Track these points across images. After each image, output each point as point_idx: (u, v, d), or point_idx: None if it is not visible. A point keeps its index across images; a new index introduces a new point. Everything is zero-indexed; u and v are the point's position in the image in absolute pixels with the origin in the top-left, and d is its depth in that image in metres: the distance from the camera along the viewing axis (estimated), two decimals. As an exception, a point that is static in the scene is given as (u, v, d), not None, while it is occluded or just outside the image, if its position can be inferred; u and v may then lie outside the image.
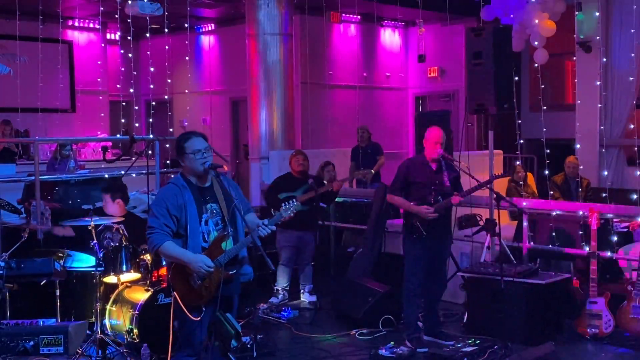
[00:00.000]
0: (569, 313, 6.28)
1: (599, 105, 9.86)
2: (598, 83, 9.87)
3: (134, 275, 6.03)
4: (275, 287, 7.53)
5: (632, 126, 9.01)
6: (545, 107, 8.79)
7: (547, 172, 8.05)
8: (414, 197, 5.94)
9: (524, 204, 7.26)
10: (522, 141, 8.38)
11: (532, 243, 7.05)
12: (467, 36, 6.94)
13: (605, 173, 9.20)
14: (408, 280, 6.06)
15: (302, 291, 7.58)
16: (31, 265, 5.04)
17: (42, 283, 5.67)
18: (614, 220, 7.37)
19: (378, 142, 11.07)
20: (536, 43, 9.94)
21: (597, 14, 9.77)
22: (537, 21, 8.99)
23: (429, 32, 13.82)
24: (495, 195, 6.09)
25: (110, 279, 5.92)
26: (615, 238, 7.04)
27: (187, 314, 4.15)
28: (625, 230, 7.65)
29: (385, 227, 7.73)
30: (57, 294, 5.67)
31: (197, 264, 4.09)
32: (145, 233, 4.25)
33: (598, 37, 9.86)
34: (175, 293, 4.21)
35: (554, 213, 7.08)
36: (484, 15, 9.98)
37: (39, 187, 7.27)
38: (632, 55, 9.24)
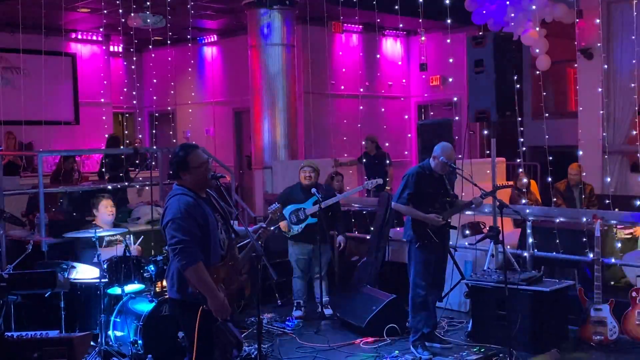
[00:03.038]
0: (573, 320, 6.27)
1: (601, 112, 9.87)
2: (600, 90, 9.88)
3: (138, 286, 6.04)
4: (295, 301, 7.43)
5: (634, 132, 9.00)
6: (547, 115, 8.80)
7: (549, 179, 8.04)
8: (423, 206, 6.02)
9: (528, 211, 7.25)
10: (524, 148, 8.39)
11: (535, 250, 7.04)
12: (468, 44, 6.95)
13: (609, 179, 9.19)
14: (417, 286, 6.08)
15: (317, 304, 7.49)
16: (35, 277, 5.05)
17: (46, 295, 5.67)
18: (618, 226, 7.37)
19: (384, 151, 11.13)
20: (537, 50, 9.99)
21: (598, 20, 9.80)
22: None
23: (430, 40, 13.87)
24: (498, 203, 6.10)
25: (115, 290, 5.94)
26: (619, 244, 7.03)
27: (223, 322, 4.02)
28: (629, 236, 7.65)
29: (389, 236, 7.73)
30: (62, 305, 5.69)
31: None
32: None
33: (599, 44, 9.88)
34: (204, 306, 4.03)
35: (558, 220, 7.07)
36: (475, 20, 10.04)
37: (43, 199, 7.31)
38: (634, 61, 9.24)
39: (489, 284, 6.26)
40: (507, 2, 9.56)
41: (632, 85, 9.56)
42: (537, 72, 9.94)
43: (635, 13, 8.70)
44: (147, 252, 7.02)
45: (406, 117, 14.62)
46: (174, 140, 14.21)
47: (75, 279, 6.09)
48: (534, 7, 9.54)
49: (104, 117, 13.93)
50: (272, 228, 4.43)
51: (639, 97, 9.96)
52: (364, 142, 11.27)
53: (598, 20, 9.79)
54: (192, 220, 3.97)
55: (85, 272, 6.21)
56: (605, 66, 9.93)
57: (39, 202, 7.37)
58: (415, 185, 6.04)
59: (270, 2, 10.55)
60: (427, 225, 6.00)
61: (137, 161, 11.34)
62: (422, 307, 6.09)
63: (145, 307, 5.71)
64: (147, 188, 8.98)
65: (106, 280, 5.82)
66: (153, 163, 10.15)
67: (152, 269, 6.02)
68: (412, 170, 6.20)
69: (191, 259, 3.91)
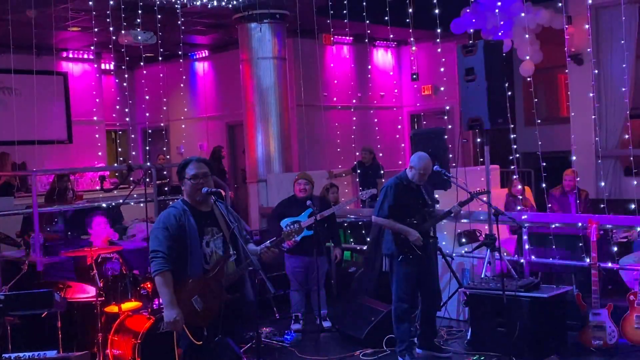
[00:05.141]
0: (572, 325, 6.26)
1: (593, 116, 9.91)
2: (591, 95, 9.93)
3: (135, 304, 6.02)
4: (293, 314, 7.39)
5: (626, 136, 9.04)
6: (539, 121, 8.83)
7: (544, 185, 8.06)
8: (402, 218, 6.00)
9: (524, 217, 7.26)
10: (517, 155, 8.41)
11: (532, 257, 7.04)
12: (458, 53, 6.98)
13: (603, 184, 9.21)
14: (399, 299, 6.07)
15: (316, 316, 7.45)
16: (32, 297, 5.02)
17: (43, 315, 5.65)
18: (614, 230, 7.38)
19: (379, 162, 11.15)
20: (527, 57, 10.05)
21: (587, 26, 9.86)
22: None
23: (421, 50, 13.93)
24: (493, 210, 6.11)
25: (112, 308, 5.91)
26: (615, 248, 7.04)
27: (190, 337, 4.12)
28: (625, 240, 7.66)
29: (385, 246, 7.71)
30: (59, 325, 5.66)
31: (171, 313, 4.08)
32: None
33: (589, 49, 9.94)
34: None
35: (553, 226, 7.08)
36: (454, 29, 10.13)
37: (37, 219, 7.28)
38: (624, 65, 9.30)
39: (487, 292, 6.26)
40: (496, 11, 9.63)
41: (623, 89, 9.62)
42: (528, 79, 9.99)
43: (623, 18, 8.76)
44: (143, 268, 6.99)
45: (399, 127, 14.66)
46: (167, 157, 14.19)
47: (71, 298, 6.06)
48: (522, 14, 9.61)
49: (97, 135, 13.92)
50: (276, 249, 4.37)
51: (630, 101, 10.03)
52: (360, 152, 11.27)
53: (587, 26, 9.86)
54: (166, 231, 4.14)
55: (81, 291, 6.18)
56: (596, 71, 10.00)
57: (33, 222, 7.34)
58: (395, 197, 6.02)
59: (260, 16, 10.58)
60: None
61: (130, 178, 11.31)
62: (404, 319, 6.08)
63: (142, 324, 5.68)
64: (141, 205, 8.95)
65: (103, 298, 5.79)
66: (147, 179, 10.12)
67: (149, 286, 6.00)
68: (390, 182, 6.16)
69: (158, 267, 4.08)
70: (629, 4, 9.41)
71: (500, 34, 9.70)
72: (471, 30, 9.34)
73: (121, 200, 9.06)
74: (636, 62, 10.14)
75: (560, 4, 8.94)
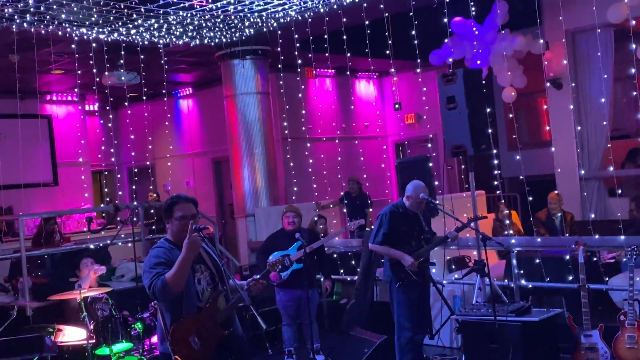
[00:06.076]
0: (565, 348, 6.27)
1: (575, 139, 10.03)
2: (572, 118, 10.07)
3: (126, 345, 5.97)
4: (286, 349, 7.31)
5: (609, 157, 9.15)
6: (522, 145, 8.92)
7: (529, 208, 8.13)
8: (400, 245, 6.04)
9: (512, 241, 7.31)
10: (502, 180, 8.48)
11: (522, 280, 7.07)
12: (439, 82, 7.08)
13: (588, 206, 9.29)
14: (402, 328, 6.07)
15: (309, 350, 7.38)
16: (22, 342, 4.98)
17: (34, 360, 5.59)
18: (601, 251, 7.43)
19: (365, 192, 11.22)
20: (509, 84, 10.19)
21: (565, 51, 10.03)
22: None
23: (402, 80, 14.09)
24: (481, 236, 6.15)
25: (103, 350, 5.86)
26: (603, 269, 7.08)
27: None
28: (613, 260, 7.71)
29: (375, 276, 7.72)
30: (50, 370, 5.60)
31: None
32: None
33: (567, 74, 10.09)
34: (176, 357, 4.11)
35: (541, 249, 7.12)
36: (432, 61, 10.30)
37: (25, 263, 7.24)
38: (602, 89, 9.44)
39: (478, 318, 6.26)
40: (474, 42, 9.80)
41: (603, 111, 9.76)
42: (509, 104, 10.11)
43: (599, 42, 8.93)
44: (133, 309, 6.95)
45: (384, 156, 14.76)
46: (154, 195, 14.17)
47: (62, 342, 6.01)
48: (499, 42, 9.77)
49: (82, 177, 13.91)
50: (264, 281, 4.37)
51: (610, 122, 10.16)
52: (346, 183, 11.33)
53: (564, 51, 10.02)
54: (158, 261, 4.07)
55: (72, 334, 6.13)
56: (575, 95, 10.14)
57: (21, 266, 7.30)
58: (390, 225, 6.09)
59: (243, 52, 10.70)
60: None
61: (118, 218, 11.29)
62: (409, 349, 6.08)
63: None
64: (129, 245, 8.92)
65: (93, 341, 5.74)
66: (134, 219, 10.11)
67: (139, 326, 5.97)
68: (385, 210, 6.24)
69: (158, 277, 3.98)
70: (604, 29, 9.59)
71: (478, 62, 9.85)
72: (450, 60, 9.48)
73: (109, 241, 9.04)
74: (614, 84, 10.31)
75: (537, 30, 9.10)
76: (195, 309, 4.14)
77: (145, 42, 9.82)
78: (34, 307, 6.90)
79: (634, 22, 8.30)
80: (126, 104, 10.43)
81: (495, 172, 7.81)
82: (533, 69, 10.52)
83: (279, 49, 9.78)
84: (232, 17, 9.13)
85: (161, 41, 9.93)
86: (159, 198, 12.64)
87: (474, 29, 9.90)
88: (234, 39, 10.40)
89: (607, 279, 7.07)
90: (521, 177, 8.11)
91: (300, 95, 11.77)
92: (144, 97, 10.31)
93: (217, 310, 4.17)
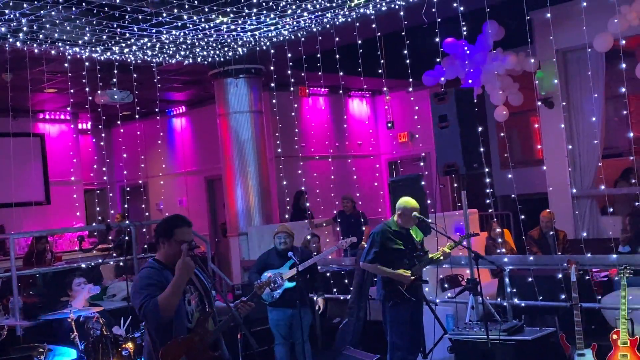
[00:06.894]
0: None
1: (566, 157, 10.07)
2: (564, 136, 10.11)
3: (117, 365, 5.92)
4: None
5: (601, 176, 9.18)
6: (514, 164, 8.95)
7: (521, 227, 8.14)
8: (392, 263, 6.02)
9: (505, 260, 7.30)
10: (494, 199, 8.49)
11: (515, 299, 7.06)
12: (431, 101, 7.11)
13: (580, 224, 9.31)
14: (396, 348, 6.04)
15: None
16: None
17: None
18: (593, 270, 7.43)
19: (359, 210, 11.22)
20: (502, 102, 10.24)
21: (556, 70, 10.09)
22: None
23: (395, 99, 14.14)
24: (473, 255, 6.14)
25: (94, 371, 5.81)
26: (595, 288, 7.08)
27: None
28: (606, 279, 7.71)
29: (368, 295, 7.69)
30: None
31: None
32: None
33: (559, 92, 10.15)
34: None
35: (534, 267, 7.12)
36: (426, 82, 10.37)
37: (16, 282, 7.20)
38: (593, 107, 9.50)
39: (471, 337, 6.24)
40: (466, 62, 9.87)
41: (595, 130, 9.81)
42: (501, 123, 10.16)
43: (589, 61, 9.00)
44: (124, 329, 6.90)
45: (377, 174, 14.77)
46: (147, 214, 14.14)
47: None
48: (490, 62, 9.84)
49: (75, 195, 13.86)
50: (252, 303, 4.33)
51: (602, 141, 10.21)
52: (340, 202, 11.33)
53: (555, 70, 10.09)
54: (150, 286, 3.99)
55: (62, 355, 6.07)
56: (566, 114, 10.20)
57: (12, 285, 7.25)
58: (381, 243, 6.09)
59: (236, 71, 10.73)
60: (398, 282, 6.02)
61: (110, 237, 11.25)
62: None
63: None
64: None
65: (84, 361, 5.70)
66: (126, 238, 10.07)
67: (130, 346, 5.92)
68: (377, 229, 6.25)
69: (150, 300, 3.92)
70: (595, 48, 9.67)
71: (470, 82, 9.91)
72: (442, 79, 9.53)
73: (100, 260, 9.01)
74: (605, 103, 10.37)
75: (528, 50, 9.17)
76: (185, 330, 4.09)
77: (139, 61, 9.84)
78: (25, 326, 6.85)
79: (624, 41, 8.38)
80: (119, 122, 10.43)
81: (488, 190, 7.81)
82: (526, 88, 10.58)
83: (272, 67, 9.82)
84: (225, 36, 9.17)
85: (154, 60, 9.96)
86: (123, 218, 12.60)
87: (466, 48, 9.97)
88: (227, 57, 10.44)
89: (599, 297, 7.07)
90: (513, 195, 8.13)
91: (293, 113, 11.80)
92: (137, 116, 10.32)
93: (207, 331, 4.14)
